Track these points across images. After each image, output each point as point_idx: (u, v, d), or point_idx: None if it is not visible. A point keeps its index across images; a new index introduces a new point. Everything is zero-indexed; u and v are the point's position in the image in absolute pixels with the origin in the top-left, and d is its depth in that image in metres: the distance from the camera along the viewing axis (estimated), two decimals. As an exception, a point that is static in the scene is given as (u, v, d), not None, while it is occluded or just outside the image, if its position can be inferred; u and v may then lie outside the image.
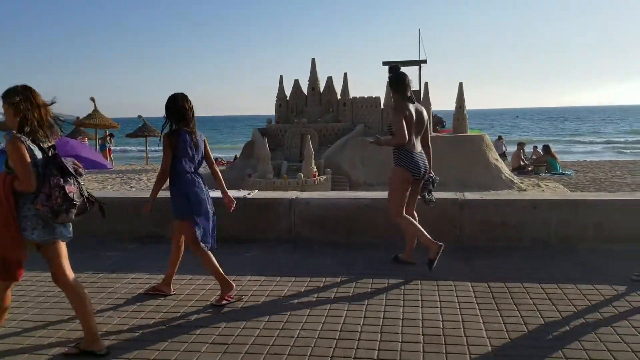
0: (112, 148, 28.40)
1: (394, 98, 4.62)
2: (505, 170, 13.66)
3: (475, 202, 5.30)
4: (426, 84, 14.86)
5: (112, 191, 7.99)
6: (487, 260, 4.68)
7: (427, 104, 14.66)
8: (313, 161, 12.01)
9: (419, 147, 4.57)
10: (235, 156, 27.90)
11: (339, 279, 4.20)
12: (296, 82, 15.35)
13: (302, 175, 11.61)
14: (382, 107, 14.87)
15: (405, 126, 4.31)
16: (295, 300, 3.76)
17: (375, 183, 13.31)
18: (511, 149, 28.87)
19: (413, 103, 4.52)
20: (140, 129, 28.66)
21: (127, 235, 5.92)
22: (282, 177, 11.61)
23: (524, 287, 3.90)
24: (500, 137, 26.40)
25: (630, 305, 3.54)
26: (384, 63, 15.65)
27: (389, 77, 4.67)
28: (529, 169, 22.06)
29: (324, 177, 12.07)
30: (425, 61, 15.38)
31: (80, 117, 27.83)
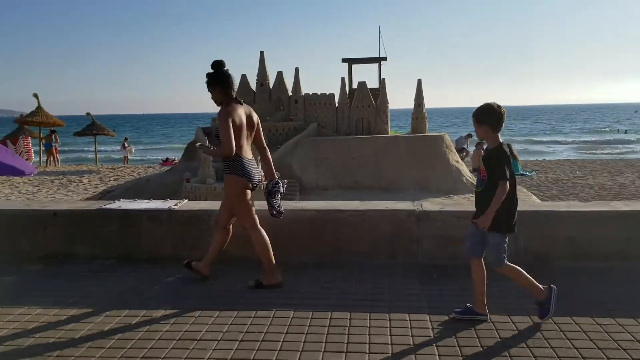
0: (58, 147, 27.99)
1: (216, 98, 4.20)
2: (467, 172, 13.50)
3: (434, 214, 4.86)
4: (383, 81, 14.54)
5: (15, 201, 7.13)
6: (445, 282, 4.24)
7: (384, 102, 14.32)
8: (259, 164, 11.39)
9: (249, 153, 4.27)
10: (167, 158, 27.14)
11: (272, 313, 3.63)
12: (243, 77, 14.69)
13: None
14: (336, 104, 14.42)
15: (232, 134, 4.01)
16: (213, 345, 3.16)
17: (330, 187, 12.85)
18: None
19: (241, 105, 4.20)
20: (89, 127, 28.26)
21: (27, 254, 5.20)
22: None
23: (490, 321, 3.46)
24: (470, 135, 26.50)
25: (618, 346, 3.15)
26: (344, 60, 15.33)
27: (209, 75, 4.24)
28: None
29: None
30: (385, 58, 15.13)
31: (23, 115, 27.02)
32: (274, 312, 3.62)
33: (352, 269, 4.65)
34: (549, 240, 4.70)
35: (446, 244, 4.80)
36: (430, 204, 5.14)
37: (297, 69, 14.42)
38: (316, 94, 14.36)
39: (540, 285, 3.40)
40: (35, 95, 27.21)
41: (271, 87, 14.44)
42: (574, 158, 34.31)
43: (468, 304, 3.50)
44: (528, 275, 3.41)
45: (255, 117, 4.34)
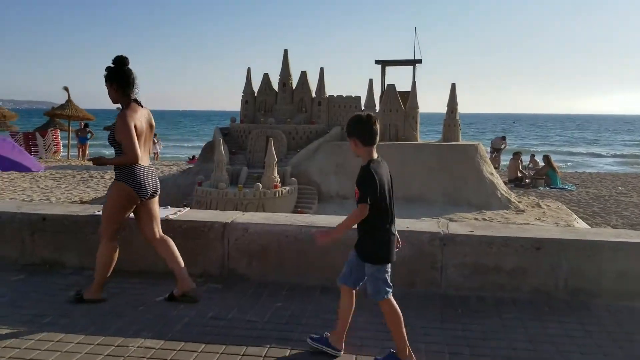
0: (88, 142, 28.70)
1: (112, 97, 3.95)
2: (501, 185, 12.88)
3: (461, 238, 4.40)
4: (413, 84, 14.05)
5: (5, 202, 6.94)
6: (471, 319, 3.78)
7: (414, 106, 13.83)
8: (275, 169, 11.05)
9: (146, 160, 3.93)
10: (193, 156, 27.49)
11: (265, 350, 3.23)
12: (266, 76, 14.40)
13: (261, 185, 10.63)
14: (362, 107, 13.98)
15: (136, 140, 3.75)
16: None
17: (351, 195, 12.38)
18: (505, 157, 28.51)
19: (141, 107, 3.95)
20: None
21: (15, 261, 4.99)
22: (238, 186, 10.62)
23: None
24: (504, 137, 26.04)
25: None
26: (377, 61, 14.89)
27: (108, 69, 3.95)
28: (527, 181, 21.51)
29: (288, 188, 11.11)
30: (420, 61, 14.54)
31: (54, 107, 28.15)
32: (267, 349, 3.23)
33: (363, 297, 4.22)
34: (594, 274, 4.19)
35: (474, 274, 4.35)
36: (458, 226, 4.67)
37: (322, 69, 14.07)
38: (341, 96, 13.97)
39: (407, 346, 3.05)
40: (66, 88, 28.02)
41: (294, 87, 14.12)
42: (615, 171, 33.09)
43: (326, 333, 3.22)
44: (403, 327, 3.07)
45: (153, 123, 4.20)
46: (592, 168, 36.06)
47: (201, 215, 5.08)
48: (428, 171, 12.52)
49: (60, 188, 16.46)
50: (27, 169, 8.97)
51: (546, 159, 21.56)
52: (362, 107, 14.02)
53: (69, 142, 29.66)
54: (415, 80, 14.68)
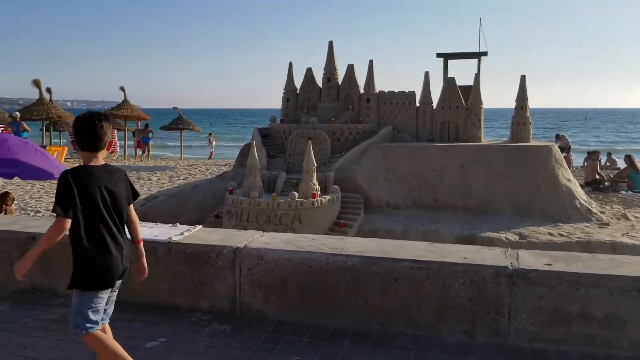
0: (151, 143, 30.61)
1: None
2: (581, 193, 11.70)
3: (536, 274, 3.57)
4: (476, 77, 13.04)
5: (3, 216, 6.64)
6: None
7: (477, 102, 12.84)
8: (314, 175, 10.38)
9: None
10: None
11: None
12: (309, 71, 13.79)
13: (297, 194, 9.99)
14: (417, 104, 13.13)
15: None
16: None
17: (403, 205, 11.60)
18: (577, 157, 26.72)
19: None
20: (176, 122, 30.88)
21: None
22: (272, 195, 10.02)
23: None
24: (558, 136, 24.49)
25: None
26: (439, 55, 14.11)
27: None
28: (606, 184, 20.00)
29: (328, 197, 10.42)
30: (485, 53, 13.62)
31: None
32: None
33: (407, 348, 3.52)
34: None
35: (553, 322, 3.51)
36: (532, 257, 3.84)
37: (371, 62, 13.30)
38: (393, 91, 13.16)
39: None
40: (122, 89, 29.69)
41: (340, 82, 13.43)
42: None
43: None
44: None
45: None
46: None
47: (210, 237, 4.48)
48: (494, 177, 11.52)
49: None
50: (49, 176, 8.69)
51: (628, 159, 20.01)
52: (417, 104, 13.19)
53: (125, 141, 31.16)
54: (480, 74, 13.74)
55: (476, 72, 13.76)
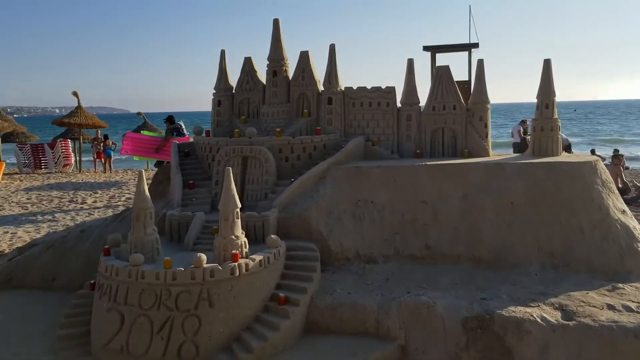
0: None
1: None
2: (639, 230, 7.94)
3: None
4: (480, 64, 9.25)
5: None
6: None
7: (481, 100, 9.07)
8: (238, 223, 6.55)
9: None
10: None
11: None
12: (248, 62, 9.93)
13: (203, 257, 6.14)
14: (398, 105, 9.35)
15: None
16: None
17: (381, 257, 7.80)
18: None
19: None
20: (140, 128, 27.94)
21: None
22: (164, 260, 6.15)
23: None
24: (524, 122, 20.54)
25: None
26: (425, 48, 11.49)
27: None
28: (633, 195, 16.55)
29: (261, 256, 6.58)
30: (476, 45, 11.19)
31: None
32: None
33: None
34: None
35: None
36: None
37: (332, 47, 9.48)
38: (364, 87, 9.40)
39: None
40: (75, 94, 27.45)
41: (291, 77, 9.62)
42: None
43: None
44: None
45: None
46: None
47: None
48: (512, 211, 7.75)
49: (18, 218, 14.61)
50: None
51: (659, 163, 16.48)
52: (398, 104, 9.39)
53: (80, 153, 29.41)
54: (472, 67, 10.97)
55: (468, 67, 11.64)
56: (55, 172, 27.67)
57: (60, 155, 28.34)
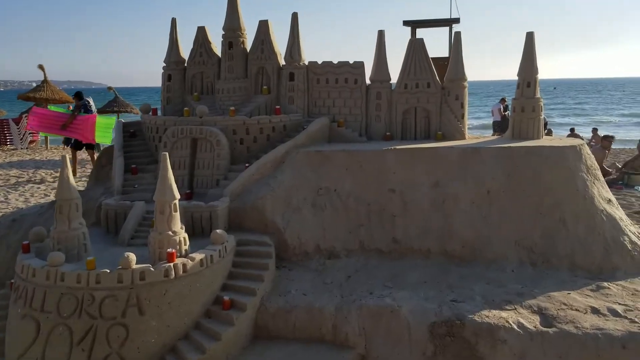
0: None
1: None
2: (627, 222, 7.29)
3: None
4: (457, 37, 8.45)
5: None
6: None
7: (459, 78, 8.30)
8: (176, 216, 5.74)
9: None
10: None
11: None
12: (201, 31, 9.00)
13: (132, 257, 5.32)
14: (367, 82, 8.54)
15: None
16: None
17: (343, 251, 7.06)
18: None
19: None
20: (111, 104, 27.27)
21: None
22: (87, 261, 5.33)
23: None
24: (503, 100, 20.11)
25: None
26: (405, 23, 10.83)
27: None
28: (614, 176, 16.06)
29: (203, 254, 5.78)
30: (457, 20, 10.59)
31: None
32: None
33: None
34: None
35: None
36: None
37: (294, 16, 8.59)
38: (330, 62, 8.56)
39: None
40: (41, 67, 26.09)
41: (248, 49, 8.74)
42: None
43: None
44: None
45: None
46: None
47: None
48: (488, 201, 7.05)
49: None
50: None
51: (643, 145, 16.10)
52: (368, 81, 8.58)
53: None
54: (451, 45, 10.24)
55: (449, 43, 11.24)
56: (21, 148, 26.48)
57: (26, 132, 27.29)
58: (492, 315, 5.67)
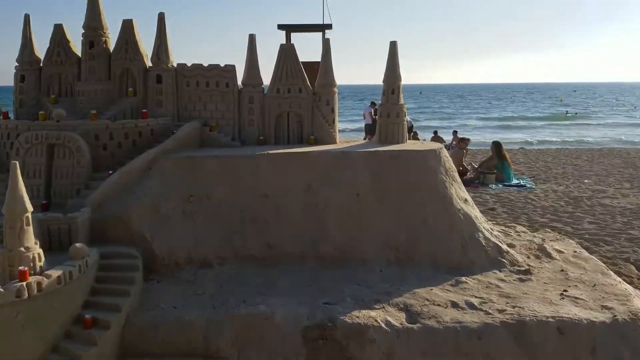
0: None
1: None
2: (482, 220, 7.92)
3: None
4: (326, 43, 8.65)
5: None
6: None
7: (329, 83, 8.49)
8: (29, 231, 5.28)
9: None
10: None
11: None
12: (58, 29, 8.35)
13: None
14: (239, 85, 8.45)
15: None
16: None
17: (216, 259, 6.92)
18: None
19: None
20: None
21: None
22: None
23: None
24: (374, 103, 21.38)
25: None
26: (280, 26, 10.80)
27: None
28: (470, 176, 17.39)
29: (61, 271, 5.36)
30: (330, 26, 10.76)
31: None
32: None
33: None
34: None
35: None
36: None
37: (161, 16, 8.27)
38: (200, 64, 8.36)
39: None
40: None
41: (112, 49, 8.27)
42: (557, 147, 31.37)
43: None
44: None
45: None
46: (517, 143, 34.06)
47: None
48: (357, 203, 7.29)
49: None
50: None
51: (496, 147, 17.64)
52: (240, 84, 8.49)
53: None
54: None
55: (322, 48, 11.41)
56: None
57: None
58: (362, 316, 5.86)
